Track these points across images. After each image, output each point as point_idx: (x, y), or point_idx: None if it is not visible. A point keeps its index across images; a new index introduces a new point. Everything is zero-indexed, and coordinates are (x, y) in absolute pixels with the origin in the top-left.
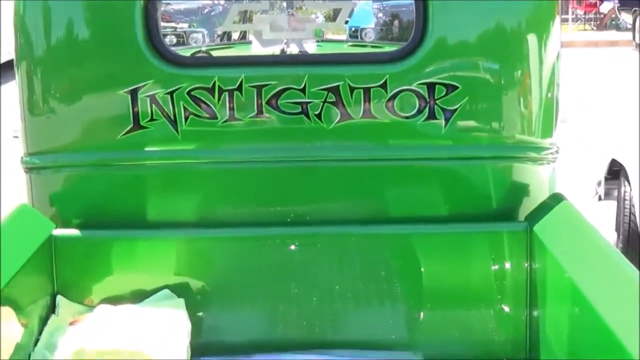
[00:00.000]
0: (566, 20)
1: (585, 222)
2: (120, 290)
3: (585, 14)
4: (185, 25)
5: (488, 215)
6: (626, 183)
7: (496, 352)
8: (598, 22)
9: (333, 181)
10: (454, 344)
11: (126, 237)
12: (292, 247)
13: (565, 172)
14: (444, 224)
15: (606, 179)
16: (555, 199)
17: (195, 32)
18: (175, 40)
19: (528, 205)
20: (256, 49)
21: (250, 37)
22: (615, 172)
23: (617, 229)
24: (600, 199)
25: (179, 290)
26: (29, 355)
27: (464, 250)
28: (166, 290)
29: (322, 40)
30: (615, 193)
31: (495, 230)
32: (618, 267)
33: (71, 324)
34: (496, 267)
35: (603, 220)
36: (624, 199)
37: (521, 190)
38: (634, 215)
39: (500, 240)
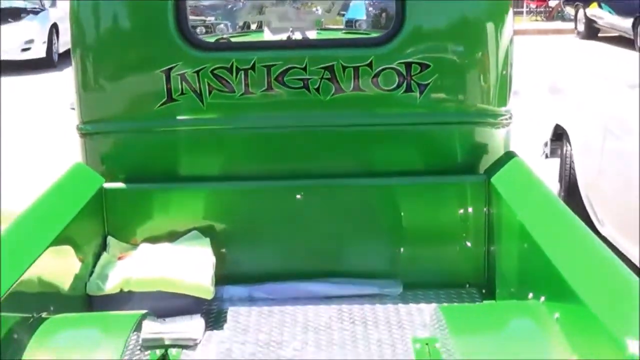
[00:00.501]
0: (521, 12)
1: (533, 175)
2: (158, 231)
3: (536, 7)
4: (212, 18)
5: (455, 169)
6: (567, 144)
7: (461, 279)
8: (547, 14)
9: (329, 143)
10: (427, 273)
11: (162, 188)
12: (298, 195)
13: (519, 135)
14: (419, 176)
15: (551, 140)
16: (509, 155)
17: (220, 23)
18: (204, 31)
19: (487, 161)
20: (268, 36)
21: (264, 26)
22: (559, 134)
23: (560, 181)
24: (547, 156)
25: (205, 231)
26: (85, 285)
27: (435, 198)
28: (195, 232)
29: (321, 29)
30: (559, 152)
31: (460, 182)
32: (558, 210)
33: (119, 259)
34: (461, 211)
35: (549, 174)
36: (566, 157)
37: (481, 148)
38: (573, 170)
39: (464, 189)
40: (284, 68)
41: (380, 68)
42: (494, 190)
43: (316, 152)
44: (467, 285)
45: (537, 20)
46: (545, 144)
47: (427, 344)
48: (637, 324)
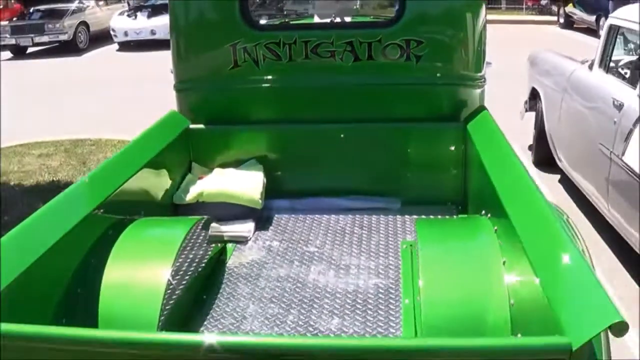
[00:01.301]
0: (521, 8)
1: (494, 124)
2: (228, 159)
3: (532, 5)
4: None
5: (442, 118)
6: (540, 101)
7: (444, 198)
8: (539, 10)
9: (350, 97)
10: (419, 193)
11: (231, 129)
12: (327, 134)
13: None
14: (416, 122)
15: (529, 99)
16: (481, 109)
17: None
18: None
19: (466, 112)
20: (316, 19)
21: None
22: (534, 94)
23: (535, 128)
24: (526, 110)
25: (261, 160)
26: (172, 197)
27: (428, 138)
28: (253, 160)
29: (357, 15)
30: (535, 107)
31: (446, 127)
32: (507, 152)
33: (199, 178)
34: (446, 148)
35: (529, 123)
36: (538, 110)
37: (462, 103)
38: (543, 120)
39: (448, 132)
40: (317, 43)
41: (387, 43)
42: (468, 133)
43: (340, 103)
44: (449, 203)
45: (532, 14)
46: (525, 102)
47: (411, 245)
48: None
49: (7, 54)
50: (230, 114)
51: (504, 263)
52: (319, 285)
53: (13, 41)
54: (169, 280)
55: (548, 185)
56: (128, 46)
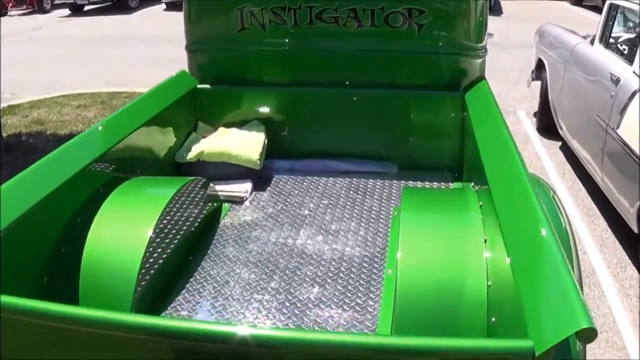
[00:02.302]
0: None
1: (491, 95)
2: (232, 119)
3: None
4: None
5: (442, 87)
6: (545, 71)
7: (441, 165)
8: None
9: (353, 63)
10: (417, 159)
11: (237, 90)
12: (329, 98)
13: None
14: (417, 90)
15: (535, 69)
16: (480, 79)
17: None
18: None
19: (465, 82)
20: None
21: None
22: (540, 65)
23: (540, 97)
24: (533, 79)
25: (264, 121)
26: (174, 154)
27: (427, 106)
28: (256, 121)
29: None
30: (540, 76)
31: (445, 96)
32: (498, 122)
33: (203, 137)
34: (445, 116)
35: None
36: (544, 80)
37: (462, 73)
38: (547, 89)
39: (448, 101)
40: (321, 9)
41: (389, 11)
42: (465, 103)
43: (343, 68)
44: (445, 170)
45: None
46: (532, 72)
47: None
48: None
49: (66, 11)
50: (236, 75)
51: (485, 241)
52: (305, 252)
53: None
54: (151, 237)
55: (549, 151)
56: (174, 6)
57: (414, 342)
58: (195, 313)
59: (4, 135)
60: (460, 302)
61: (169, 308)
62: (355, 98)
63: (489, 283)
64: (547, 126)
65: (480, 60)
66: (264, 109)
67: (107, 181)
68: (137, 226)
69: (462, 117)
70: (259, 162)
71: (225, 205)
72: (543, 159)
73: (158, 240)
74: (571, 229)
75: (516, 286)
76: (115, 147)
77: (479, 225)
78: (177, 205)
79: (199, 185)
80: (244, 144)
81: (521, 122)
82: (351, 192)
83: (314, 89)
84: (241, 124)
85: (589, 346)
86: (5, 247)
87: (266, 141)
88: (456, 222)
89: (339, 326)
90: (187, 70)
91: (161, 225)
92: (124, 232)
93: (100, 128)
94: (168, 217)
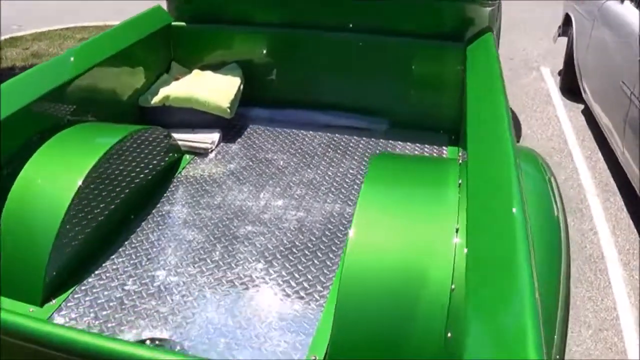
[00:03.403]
0: None
1: (493, 50)
2: (209, 61)
3: None
4: None
5: (445, 36)
6: (572, 27)
7: (437, 125)
8: None
9: (347, 5)
10: (410, 116)
11: (215, 29)
12: (318, 42)
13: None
14: (417, 38)
15: (562, 24)
16: (485, 31)
17: None
18: None
19: (470, 33)
20: None
21: None
22: (567, 21)
23: (565, 54)
24: (559, 35)
25: (244, 64)
26: (138, 98)
27: (427, 56)
28: (234, 64)
29: None
30: (567, 32)
31: (447, 46)
32: (492, 76)
33: (175, 79)
34: (445, 70)
35: (561, 47)
36: (570, 36)
37: (467, 22)
38: (574, 47)
39: (449, 53)
40: None
41: None
42: (466, 55)
43: (336, 10)
44: (441, 132)
45: None
46: (559, 27)
47: None
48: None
49: None
50: (215, 12)
51: (456, 231)
52: (261, 218)
53: None
54: (80, 186)
55: (570, 114)
56: None
57: None
58: (118, 283)
59: None
60: (414, 305)
61: (92, 275)
62: (347, 43)
63: (453, 287)
64: (570, 86)
65: (490, 9)
66: (244, 51)
67: (52, 125)
68: (66, 174)
69: (462, 69)
70: (229, 110)
71: (187, 157)
72: (563, 122)
73: (90, 192)
74: (564, 217)
75: (466, 288)
76: (69, 84)
77: (452, 209)
78: (122, 156)
79: (154, 135)
80: (214, 88)
81: (544, 79)
82: (329, 149)
83: (302, 31)
84: (218, 67)
85: (585, 345)
86: None
87: (242, 87)
88: (425, 203)
89: (272, 318)
90: (161, 6)
91: (95, 175)
92: (51, 180)
93: (53, 63)
94: (108, 168)
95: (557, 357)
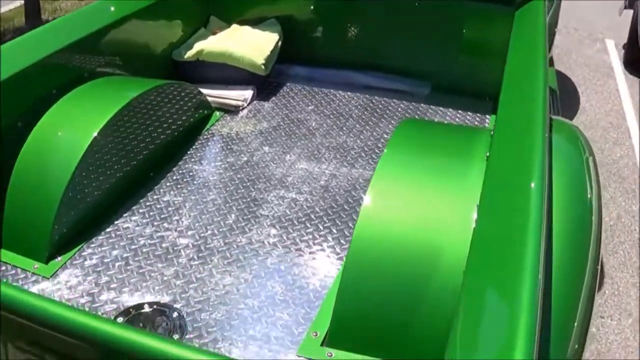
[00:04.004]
0: None
1: (542, 17)
2: (250, 16)
3: None
4: None
5: (497, 0)
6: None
7: (481, 90)
8: None
9: None
10: (454, 81)
11: None
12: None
13: None
14: (472, 1)
15: None
16: None
17: None
18: None
19: None
20: None
21: None
22: None
23: (631, 24)
24: (625, 7)
25: (284, 20)
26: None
27: (474, 20)
28: (274, 19)
29: None
30: (633, 4)
31: (496, 10)
32: (536, 45)
33: (213, 33)
34: (493, 34)
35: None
36: (636, 7)
37: None
38: (639, 19)
39: (497, 16)
40: None
41: None
42: (513, 21)
43: None
44: (487, 98)
45: None
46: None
47: None
48: None
49: None
50: None
51: (477, 207)
52: (283, 182)
53: None
54: (95, 137)
55: (632, 90)
56: None
57: None
58: (126, 242)
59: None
60: (424, 287)
61: (102, 233)
62: (392, 4)
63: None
64: (634, 61)
65: None
66: (287, 7)
67: (77, 77)
68: (82, 125)
69: (509, 33)
70: (264, 66)
71: (217, 114)
72: (623, 97)
73: (107, 145)
74: (599, 201)
75: (466, 268)
76: (101, 34)
77: (475, 184)
78: (145, 110)
79: (182, 90)
80: (250, 44)
81: (608, 52)
82: (366, 112)
83: None
84: (258, 22)
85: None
86: None
87: (280, 44)
88: (447, 175)
89: (278, 288)
90: None
91: (113, 128)
92: (67, 131)
93: (88, 10)
94: (128, 121)
95: (576, 346)
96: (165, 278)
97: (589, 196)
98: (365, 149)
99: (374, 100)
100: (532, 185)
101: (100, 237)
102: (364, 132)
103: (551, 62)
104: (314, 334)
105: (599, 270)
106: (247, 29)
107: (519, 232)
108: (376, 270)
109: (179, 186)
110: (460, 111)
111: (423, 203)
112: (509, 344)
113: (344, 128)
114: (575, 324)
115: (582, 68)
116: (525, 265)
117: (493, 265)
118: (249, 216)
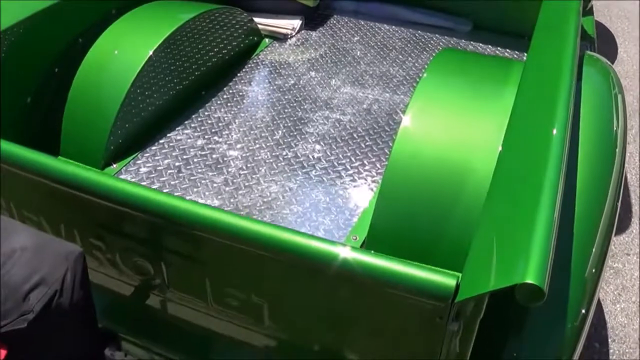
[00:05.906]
0: None
1: None
2: None
3: None
4: None
5: None
6: None
7: (521, 29)
8: None
9: None
10: (495, 19)
11: None
12: None
13: None
14: None
15: None
16: None
17: None
18: None
19: None
20: None
21: None
22: None
23: None
24: None
25: None
26: None
27: None
28: None
29: None
30: None
31: None
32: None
33: None
34: None
35: None
36: None
37: None
38: None
39: None
40: None
41: None
42: None
43: None
44: (525, 37)
45: None
46: None
47: None
48: None
49: None
50: None
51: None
52: (328, 103)
53: None
54: (150, 56)
55: None
56: None
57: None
58: (178, 152)
59: None
60: (455, 198)
61: (156, 144)
62: None
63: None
64: None
65: None
66: None
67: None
68: (139, 44)
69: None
70: None
71: (266, 41)
72: None
73: (162, 64)
74: (624, 139)
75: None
76: None
77: (509, 108)
78: (197, 33)
79: (233, 15)
80: None
81: None
82: (409, 45)
83: None
84: None
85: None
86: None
87: None
88: (482, 97)
89: (322, 197)
90: None
91: (167, 48)
92: (124, 49)
93: None
94: (181, 43)
95: (591, 289)
96: (215, 185)
97: (614, 129)
98: (407, 77)
99: (417, 35)
100: (557, 113)
101: (153, 148)
102: (407, 62)
103: (591, 11)
104: (354, 237)
105: (618, 207)
106: None
107: (541, 157)
108: (411, 184)
109: (229, 104)
110: (499, 48)
111: (458, 123)
112: (522, 269)
113: (388, 58)
114: (593, 251)
115: (621, 20)
116: (545, 186)
117: (512, 191)
118: (295, 133)
